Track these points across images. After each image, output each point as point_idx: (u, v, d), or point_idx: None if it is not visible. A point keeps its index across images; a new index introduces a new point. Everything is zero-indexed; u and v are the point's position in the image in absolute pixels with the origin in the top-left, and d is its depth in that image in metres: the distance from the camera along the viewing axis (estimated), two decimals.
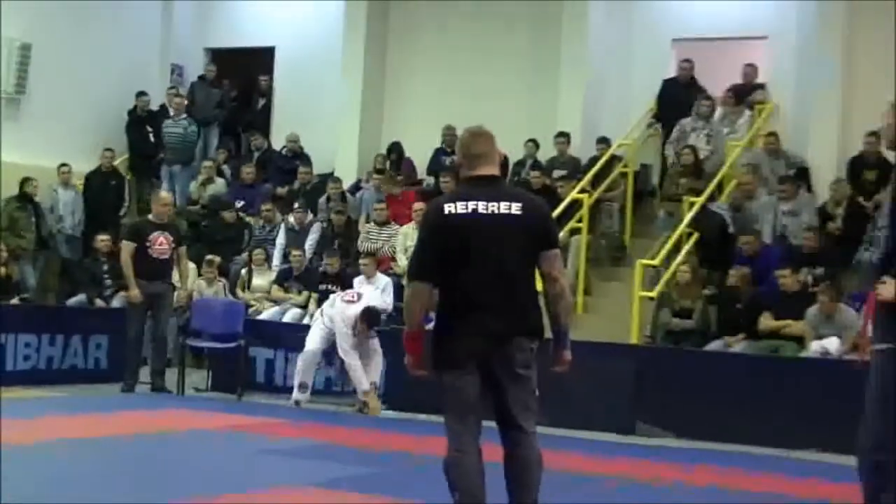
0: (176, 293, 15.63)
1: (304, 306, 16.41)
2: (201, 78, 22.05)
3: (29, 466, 9.23)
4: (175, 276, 15.40)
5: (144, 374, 15.35)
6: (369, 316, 13.88)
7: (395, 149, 19.87)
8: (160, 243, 14.75)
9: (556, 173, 18.11)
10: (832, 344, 13.44)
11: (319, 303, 15.41)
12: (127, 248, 14.94)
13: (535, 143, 18.77)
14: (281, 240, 17.99)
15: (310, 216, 18.30)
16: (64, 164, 19.39)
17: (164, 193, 15.91)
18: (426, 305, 6.67)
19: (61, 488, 8.39)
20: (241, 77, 22.37)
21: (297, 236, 17.94)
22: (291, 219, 18.22)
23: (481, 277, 6.51)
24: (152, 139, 20.86)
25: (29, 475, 8.81)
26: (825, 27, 17.64)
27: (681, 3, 19.41)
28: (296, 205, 18.40)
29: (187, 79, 22.44)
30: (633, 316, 14.85)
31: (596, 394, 12.81)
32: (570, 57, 19.30)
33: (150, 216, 15.46)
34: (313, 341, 14.26)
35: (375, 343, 14.04)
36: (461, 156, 6.89)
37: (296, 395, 14.20)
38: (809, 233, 15.32)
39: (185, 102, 21.08)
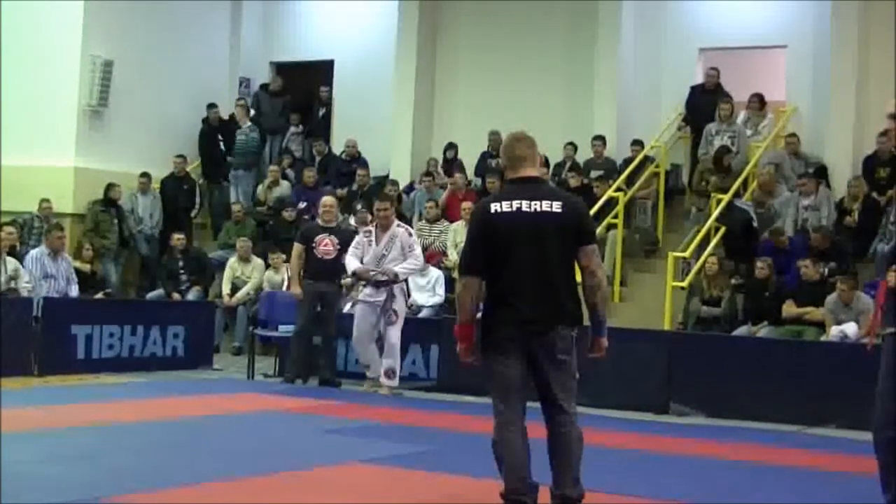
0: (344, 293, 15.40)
1: None
2: (263, 87, 22.17)
3: (115, 443, 9.33)
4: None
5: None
6: None
7: (452, 147, 19.94)
8: (325, 245, 14.37)
9: (593, 174, 18.13)
10: (850, 328, 13.42)
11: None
12: (295, 249, 14.58)
13: (573, 146, 18.80)
14: None
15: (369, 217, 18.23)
16: (144, 174, 19.54)
17: (326, 198, 15.32)
18: (476, 298, 6.68)
19: (139, 462, 8.48)
20: (304, 88, 22.45)
21: None
22: (352, 220, 17.84)
23: (524, 270, 6.53)
24: (222, 147, 21.00)
25: (115, 451, 8.90)
26: (838, 36, 17.57)
27: (707, 16, 19.37)
28: (359, 206, 18.21)
29: (254, 91, 22.55)
30: (666, 304, 14.90)
31: (632, 376, 12.78)
32: (604, 66, 19.35)
33: (318, 220, 14.99)
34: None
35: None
36: (505, 159, 6.90)
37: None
38: (818, 234, 15.23)
39: (252, 112, 21.23)
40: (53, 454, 8.58)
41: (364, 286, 14.17)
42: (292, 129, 21.75)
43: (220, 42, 22.31)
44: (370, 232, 14.10)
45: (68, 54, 19.28)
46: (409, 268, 13.93)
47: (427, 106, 21.09)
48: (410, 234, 14.08)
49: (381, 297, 13.74)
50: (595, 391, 11.11)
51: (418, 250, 14.07)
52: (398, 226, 14.04)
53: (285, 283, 16.20)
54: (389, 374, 13.73)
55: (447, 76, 21.12)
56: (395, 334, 13.73)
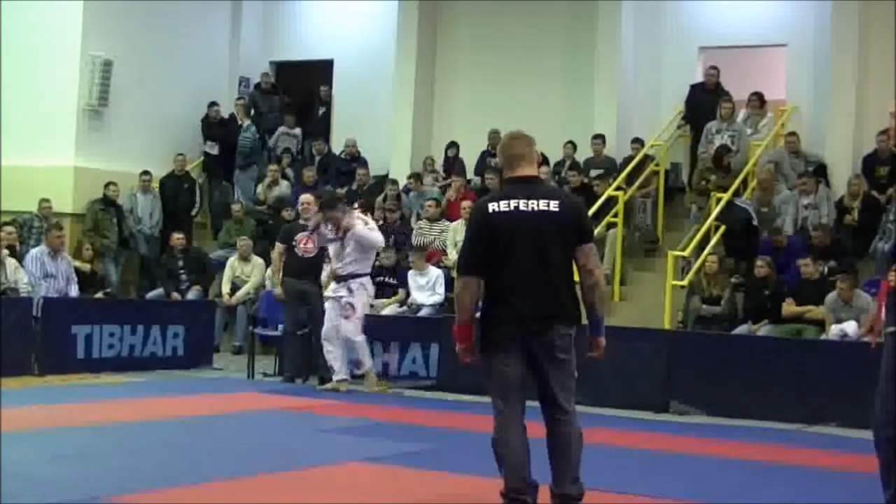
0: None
1: None
2: (256, 87, 22.18)
3: (115, 443, 9.34)
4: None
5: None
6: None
7: (453, 146, 19.96)
8: (305, 243, 14.38)
9: (593, 172, 18.11)
10: (850, 327, 13.41)
11: (377, 295, 15.40)
12: (276, 248, 14.70)
13: (573, 145, 18.80)
14: None
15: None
16: (145, 173, 19.55)
17: (304, 195, 15.29)
18: (475, 297, 6.67)
19: (139, 462, 8.48)
20: (303, 87, 22.46)
21: None
22: None
23: (522, 269, 6.52)
24: (222, 145, 21.00)
25: (115, 451, 8.92)
26: (838, 35, 17.58)
27: (706, 14, 19.37)
28: (356, 205, 18.12)
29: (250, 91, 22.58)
30: (666, 303, 14.89)
31: (632, 375, 12.78)
32: (604, 65, 19.37)
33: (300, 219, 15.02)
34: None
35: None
36: (502, 158, 6.88)
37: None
38: (818, 231, 15.24)
39: (251, 111, 21.25)
40: (53, 454, 8.59)
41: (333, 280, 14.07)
42: (282, 128, 21.68)
43: (220, 42, 22.31)
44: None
45: (68, 54, 19.29)
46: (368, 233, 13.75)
47: (427, 105, 21.09)
48: (366, 223, 13.96)
49: (343, 293, 13.66)
50: (595, 390, 11.13)
51: (370, 226, 13.93)
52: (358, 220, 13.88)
53: None
54: (358, 365, 13.73)
55: (447, 76, 21.11)
56: (348, 328, 13.52)
